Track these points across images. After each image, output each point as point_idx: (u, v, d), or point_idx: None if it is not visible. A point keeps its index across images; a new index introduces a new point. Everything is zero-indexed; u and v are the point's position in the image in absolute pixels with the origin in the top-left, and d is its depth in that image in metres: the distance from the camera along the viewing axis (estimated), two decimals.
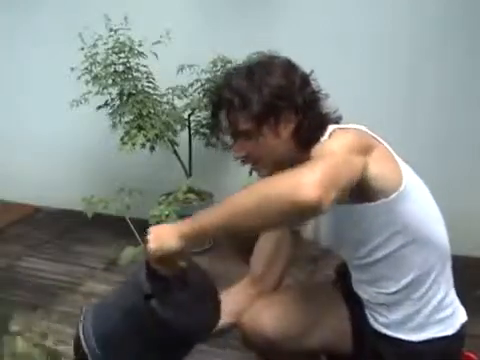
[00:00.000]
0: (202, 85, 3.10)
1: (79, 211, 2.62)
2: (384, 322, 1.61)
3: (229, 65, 3.04)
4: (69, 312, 2.67)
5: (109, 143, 3.20)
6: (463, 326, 1.64)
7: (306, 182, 1.21)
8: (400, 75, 3.04)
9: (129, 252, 2.29)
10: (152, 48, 3.03)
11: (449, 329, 1.61)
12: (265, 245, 1.79)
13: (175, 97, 3.16)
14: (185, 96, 3.13)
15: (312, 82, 1.61)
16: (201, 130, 3.23)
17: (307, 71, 1.63)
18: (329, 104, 1.61)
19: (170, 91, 3.17)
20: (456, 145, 3.03)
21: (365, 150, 1.42)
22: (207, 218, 1.33)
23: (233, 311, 1.71)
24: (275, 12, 3.17)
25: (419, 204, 1.54)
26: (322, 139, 1.51)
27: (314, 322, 1.69)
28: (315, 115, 1.55)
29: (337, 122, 1.60)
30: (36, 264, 3.16)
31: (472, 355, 1.76)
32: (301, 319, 1.68)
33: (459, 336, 1.64)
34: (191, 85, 3.13)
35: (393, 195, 1.47)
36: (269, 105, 1.49)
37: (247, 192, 1.29)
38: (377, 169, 1.44)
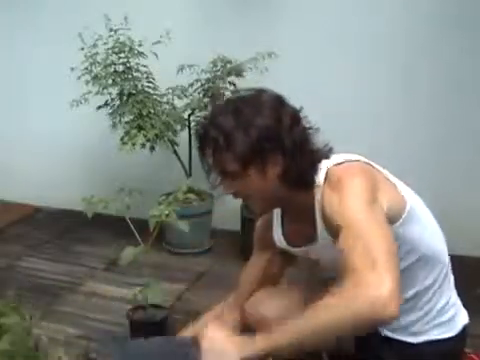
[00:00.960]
0: (202, 85, 3.10)
1: (79, 211, 2.61)
2: (387, 326, 1.62)
3: (229, 65, 3.04)
4: (69, 312, 2.67)
5: (109, 143, 3.20)
6: (464, 327, 1.65)
7: (383, 296, 1.19)
8: (397, 74, 3.05)
9: (129, 252, 2.28)
10: (152, 48, 3.02)
11: (450, 331, 1.62)
12: (252, 271, 1.85)
13: (175, 97, 3.16)
14: (185, 96, 3.13)
15: (302, 118, 1.53)
16: None
17: (297, 105, 1.55)
18: (320, 137, 1.55)
19: (170, 91, 3.17)
20: (454, 143, 3.04)
21: (375, 190, 1.42)
22: (283, 335, 1.32)
23: None
24: (275, 12, 3.17)
25: (421, 223, 1.56)
26: (317, 180, 1.50)
27: None
28: (304, 156, 1.49)
29: (327, 157, 1.54)
30: (36, 264, 3.16)
31: (475, 357, 1.76)
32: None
33: (460, 337, 1.65)
34: (191, 85, 3.13)
35: (399, 221, 1.48)
36: (255, 147, 1.45)
37: (323, 311, 1.27)
38: (385, 202, 1.44)
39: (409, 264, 1.52)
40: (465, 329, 1.66)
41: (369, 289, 1.21)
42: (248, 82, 2.99)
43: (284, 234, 1.71)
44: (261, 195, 1.52)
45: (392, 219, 1.45)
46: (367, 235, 1.30)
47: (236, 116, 1.46)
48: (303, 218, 1.57)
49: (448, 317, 1.62)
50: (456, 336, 1.62)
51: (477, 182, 3.04)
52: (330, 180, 1.47)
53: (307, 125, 1.53)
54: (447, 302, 1.62)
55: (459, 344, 1.66)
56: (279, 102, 1.51)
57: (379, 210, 1.39)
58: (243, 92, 1.55)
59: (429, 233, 1.58)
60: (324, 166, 1.51)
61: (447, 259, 1.63)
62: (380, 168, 1.56)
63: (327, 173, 1.49)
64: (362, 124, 3.10)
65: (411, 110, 3.07)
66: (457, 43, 2.92)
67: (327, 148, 1.54)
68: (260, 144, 1.45)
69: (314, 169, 1.51)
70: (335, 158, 1.53)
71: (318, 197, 1.50)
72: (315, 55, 3.13)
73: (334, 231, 1.41)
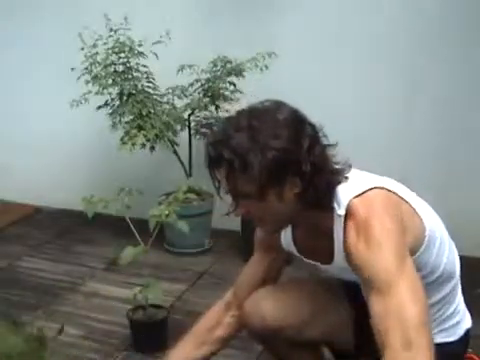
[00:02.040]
0: (202, 85, 3.10)
1: (79, 211, 2.61)
2: None
3: (229, 65, 3.04)
4: (69, 312, 2.67)
5: (109, 143, 3.20)
6: (467, 331, 1.66)
7: None
8: (398, 74, 3.05)
9: (129, 252, 2.29)
10: (152, 48, 3.03)
11: (453, 336, 1.63)
12: (251, 271, 1.82)
13: (175, 97, 3.16)
14: (185, 96, 3.13)
15: (320, 136, 1.47)
16: (201, 130, 3.23)
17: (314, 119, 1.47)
18: (337, 152, 1.49)
19: (170, 91, 3.17)
20: (455, 144, 3.03)
21: (403, 235, 1.41)
22: None
23: (219, 337, 1.80)
24: (275, 12, 3.16)
25: (439, 244, 1.55)
26: (337, 208, 1.45)
27: (314, 313, 1.71)
28: (323, 178, 1.43)
29: (345, 177, 1.48)
30: (36, 264, 3.16)
31: (475, 357, 1.76)
32: (301, 309, 1.71)
33: (462, 341, 1.65)
34: (191, 85, 3.13)
35: (420, 250, 1.48)
36: (273, 170, 1.38)
37: None
38: (411, 238, 1.44)
39: (426, 284, 1.49)
40: (468, 332, 1.66)
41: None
42: (248, 82, 3.00)
43: (294, 240, 1.67)
44: (275, 217, 1.49)
45: (414, 249, 1.46)
46: (402, 308, 1.32)
47: (251, 136, 1.38)
48: (318, 236, 1.55)
49: (453, 323, 1.63)
50: (459, 340, 1.63)
51: (477, 182, 3.04)
52: (354, 217, 1.42)
53: (325, 142, 1.47)
54: (454, 310, 1.63)
55: (461, 347, 1.67)
56: (297, 120, 1.44)
57: (410, 266, 1.38)
58: (257, 105, 1.47)
59: (447, 252, 1.57)
60: (345, 194, 1.46)
61: (458, 271, 1.62)
62: (400, 189, 1.51)
63: (349, 206, 1.43)
64: (362, 124, 3.10)
65: (411, 110, 3.07)
66: (461, 43, 2.91)
67: (346, 166, 1.49)
68: (277, 167, 1.38)
69: (333, 190, 1.46)
70: (355, 182, 1.48)
71: (338, 227, 1.47)
72: (315, 55, 3.13)
73: (360, 277, 1.42)
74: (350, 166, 1.50)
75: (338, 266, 1.54)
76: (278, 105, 1.46)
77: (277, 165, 1.38)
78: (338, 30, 3.07)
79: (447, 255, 1.57)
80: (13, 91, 3.81)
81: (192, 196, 2.63)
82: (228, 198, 1.50)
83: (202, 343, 1.79)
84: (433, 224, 1.53)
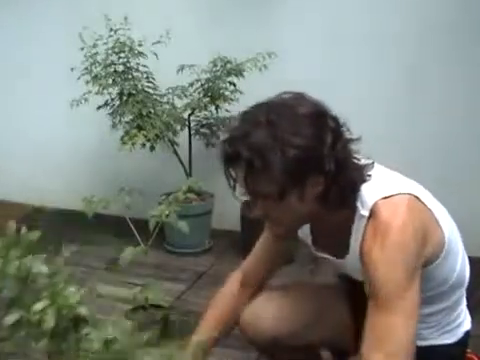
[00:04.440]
0: (202, 85, 3.10)
1: (79, 211, 2.62)
2: None
3: (229, 65, 3.04)
4: None
5: (109, 143, 3.20)
6: (467, 333, 1.65)
7: None
8: (400, 74, 3.05)
9: (129, 252, 2.28)
10: (152, 48, 3.03)
11: (452, 338, 1.61)
12: (261, 253, 1.77)
13: (175, 97, 3.16)
14: (185, 96, 3.13)
15: (343, 130, 1.41)
16: (201, 130, 3.23)
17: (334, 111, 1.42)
18: (360, 147, 1.44)
19: (170, 91, 3.17)
20: (460, 145, 3.03)
21: (423, 247, 1.39)
22: None
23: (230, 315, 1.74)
24: (275, 12, 3.16)
25: (455, 252, 1.53)
26: (361, 208, 1.41)
27: (314, 318, 1.70)
28: (346, 176, 1.37)
29: (369, 175, 1.42)
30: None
31: (474, 356, 1.76)
32: (301, 315, 1.69)
33: (461, 343, 1.64)
34: (191, 85, 3.13)
35: (438, 260, 1.46)
36: (294, 170, 1.31)
37: None
38: (430, 248, 1.42)
39: (437, 293, 1.51)
40: (467, 334, 1.65)
41: None
42: (248, 82, 3.00)
43: (312, 230, 1.62)
44: (293, 218, 1.45)
45: (432, 259, 1.44)
46: (393, 329, 1.34)
47: (271, 132, 1.31)
48: (335, 231, 1.51)
49: (454, 326, 1.62)
50: (458, 342, 1.62)
51: (478, 183, 3.04)
52: (377, 220, 1.38)
53: (348, 136, 1.41)
54: (458, 314, 1.62)
55: (459, 349, 1.66)
56: (318, 114, 1.37)
57: (415, 287, 1.37)
58: (275, 99, 1.40)
59: (460, 260, 1.55)
60: (370, 195, 1.41)
61: (468, 277, 1.60)
62: (425, 196, 1.47)
63: (374, 208, 1.39)
64: (363, 125, 3.08)
65: (413, 111, 3.07)
66: (462, 43, 2.91)
67: (369, 163, 1.44)
68: (299, 167, 1.31)
69: (356, 190, 1.41)
70: (380, 182, 1.43)
71: (358, 227, 1.43)
72: (315, 55, 3.13)
73: (366, 280, 1.42)
74: (373, 163, 1.45)
75: (351, 263, 1.51)
76: (298, 98, 1.40)
77: (299, 164, 1.31)
78: (338, 30, 3.07)
79: (460, 263, 1.55)
80: (13, 91, 3.81)
81: (192, 196, 2.62)
82: (238, 198, 1.45)
83: (227, 324, 1.75)
84: (451, 233, 1.50)
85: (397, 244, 1.34)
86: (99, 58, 3.05)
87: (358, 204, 1.41)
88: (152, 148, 3.10)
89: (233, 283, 1.78)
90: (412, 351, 1.36)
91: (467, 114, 2.99)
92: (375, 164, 1.46)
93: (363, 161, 1.43)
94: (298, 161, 1.31)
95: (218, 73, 3.07)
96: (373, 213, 1.38)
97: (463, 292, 1.62)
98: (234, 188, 1.42)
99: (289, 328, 1.67)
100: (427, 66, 2.99)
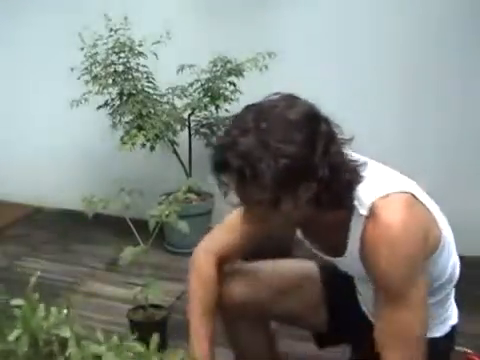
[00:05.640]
0: (202, 85, 3.10)
1: (79, 211, 2.62)
2: None
3: (229, 65, 3.04)
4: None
5: (109, 143, 3.20)
6: (453, 327, 1.64)
7: None
8: (400, 74, 3.04)
9: (129, 252, 2.29)
10: (152, 48, 3.03)
11: (439, 332, 1.61)
12: (234, 237, 1.69)
13: (175, 97, 3.16)
14: (185, 96, 3.13)
15: (336, 133, 1.38)
16: (201, 130, 3.23)
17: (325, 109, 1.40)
18: (353, 148, 1.42)
19: (170, 91, 3.17)
20: (459, 145, 3.03)
21: (424, 244, 1.40)
22: None
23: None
24: (275, 12, 3.16)
25: (449, 249, 1.53)
26: (359, 207, 1.39)
27: (284, 289, 1.73)
28: (340, 180, 1.35)
29: (362, 176, 1.41)
30: (36, 264, 3.16)
31: (475, 357, 1.76)
32: (269, 286, 1.72)
33: (448, 337, 1.64)
34: (191, 85, 3.13)
35: (432, 257, 1.46)
36: (286, 179, 1.29)
37: None
38: (427, 246, 1.43)
39: (430, 289, 1.50)
40: (453, 329, 1.65)
41: None
42: (248, 82, 3.00)
43: (308, 232, 1.61)
44: (286, 222, 1.44)
45: (427, 256, 1.44)
46: (408, 324, 1.39)
47: (261, 140, 1.27)
48: (330, 233, 1.50)
49: (442, 320, 1.62)
50: (444, 336, 1.62)
51: (478, 182, 3.04)
52: (378, 219, 1.36)
53: (341, 137, 1.39)
54: (445, 309, 1.62)
55: (446, 343, 1.65)
56: (310, 119, 1.33)
57: (423, 283, 1.40)
58: (265, 102, 1.37)
59: (453, 256, 1.56)
60: (368, 193, 1.40)
61: (458, 274, 1.60)
62: (421, 194, 1.47)
63: (373, 207, 1.37)
64: (363, 125, 3.09)
65: (414, 110, 3.07)
66: (462, 43, 2.91)
67: (364, 162, 1.43)
68: (291, 175, 1.28)
69: (351, 191, 1.39)
70: (377, 180, 1.43)
71: (357, 225, 1.42)
72: (315, 55, 3.13)
73: (373, 280, 1.43)
74: (366, 162, 1.44)
75: (348, 262, 1.51)
76: (288, 101, 1.36)
77: (290, 173, 1.28)
78: (338, 30, 3.07)
79: (453, 260, 1.55)
80: (13, 91, 3.81)
81: (192, 196, 2.63)
82: (232, 203, 1.43)
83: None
84: (446, 231, 1.51)
85: (401, 242, 1.34)
86: (99, 58, 3.06)
87: (356, 203, 1.41)
88: (152, 148, 3.10)
89: (211, 269, 1.70)
90: (424, 342, 1.42)
91: (465, 112, 2.99)
92: (370, 162, 1.47)
93: (357, 161, 1.42)
94: (289, 170, 1.28)
95: (218, 73, 3.07)
96: (372, 213, 1.37)
97: (452, 287, 1.62)
98: (226, 195, 1.40)
99: (258, 295, 1.70)
100: (430, 66, 2.99)
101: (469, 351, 1.77)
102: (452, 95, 2.99)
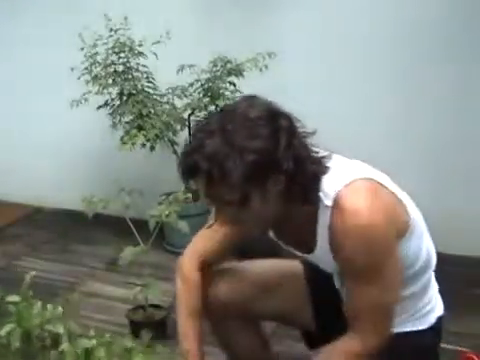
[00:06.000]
0: (202, 85, 3.10)
1: (79, 211, 2.62)
2: None
3: (229, 65, 3.04)
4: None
5: (109, 143, 3.20)
6: (439, 319, 1.64)
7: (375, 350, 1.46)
8: (399, 75, 3.04)
9: (129, 252, 2.29)
10: (152, 48, 3.03)
11: (423, 324, 1.61)
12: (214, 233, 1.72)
13: (175, 97, 3.16)
14: (185, 96, 3.13)
15: (297, 126, 1.42)
16: None
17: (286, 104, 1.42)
18: (318, 138, 1.45)
19: (170, 91, 3.17)
20: (455, 146, 3.03)
21: (391, 224, 1.42)
22: None
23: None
24: (275, 12, 3.16)
25: (420, 233, 1.54)
26: (324, 198, 1.42)
27: (268, 287, 1.75)
28: (306, 171, 1.40)
29: (327, 166, 1.45)
30: (36, 264, 3.16)
31: (474, 356, 1.76)
32: (253, 284, 1.75)
33: (433, 329, 1.63)
34: (191, 85, 3.13)
35: (402, 240, 1.47)
36: (254, 174, 1.33)
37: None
38: (396, 228, 1.45)
39: (406, 279, 1.51)
40: (439, 321, 1.64)
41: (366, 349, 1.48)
42: (248, 82, 3.00)
43: (279, 232, 1.64)
44: (261, 218, 1.45)
45: (398, 236, 1.46)
46: (378, 298, 1.43)
47: (226, 140, 1.32)
48: (300, 230, 1.53)
49: (424, 312, 1.61)
50: (429, 328, 1.61)
51: (477, 183, 3.04)
52: (342, 208, 1.39)
53: (302, 131, 1.42)
54: (427, 300, 1.62)
55: (432, 336, 1.64)
56: (271, 115, 1.38)
57: (394, 266, 1.43)
58: (228, 106, 1.44)
59: (425, 243, 1.56)
60: (331, 185, 1.43)
61: (435, 263, 1.61)
62: (384, 179, 1.49)
63: (337, 197, 1.40)
64: (362, 125, 3.10)
65: (412, 112, 3.07)
66: (459, 45, 2.91)
67: (327, 154, 1.46)
68: (259, 170, 1.33)
69: (318, 181, 1.43)
70: (340, 172, 1.45)
71: (324, 218, 1.44)
72: (315, 55, 3.13)
73: (342, 265, 1.46)
74: (331, 154, 1.47)
75: (320, 255, 1.53)
76: (248, 101, 1.41)
77: (257, 167, 1.33)
78: (338, 30, 3.07)
79: (425, 247, 1.56)
80: (13, 91, 3.81)
81: (192, 196, 2.63)
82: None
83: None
84: (416, 214, 1.53)
85: (367, 228, 1.37)
86: (99, 58, 3.05)
87: (321, 196, 1.44)
88: (152, 148, 3.10)
89: (194, 273, 1.78)
90: (392, 317, 1.48)
91: (458, 113, 2.99)
92: (334, 154, 1.49)
93: (321, 153, 1.45)
94: (256, 165, 1.32)
95: (218, 73, 3.07)
96: (336, 202, 1.40)
97: (431, 277, 1.62)
98: (196, 200, 1.45)
99: (242, 294, 1.72)
100: (427, 67, 2.99)
101: (466, 350, 1.76)
102: (444, 96, 2.99)
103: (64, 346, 1.21)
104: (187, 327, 1.73)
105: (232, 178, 1.32)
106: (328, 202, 1.42)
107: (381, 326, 1.47)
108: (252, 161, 1.32)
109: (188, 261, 1.80)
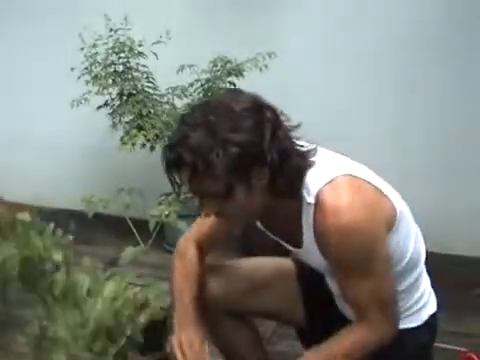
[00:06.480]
0: (202, 85, 3.10)
1: (79, 211, 2.62)
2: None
3: (229, 65, 3.04)
4: None
5: (109, 143, 3.20)
6: (433, 317, 1.63)
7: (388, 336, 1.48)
8: (400, 75, 3.05)
9: (129, 252, 2.29)
10: (152, 48, 3.03)
11: (416, 321, 1.61)
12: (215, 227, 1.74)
13: (175, 97, 3.16)
14: (185, 96, 3.13)
15: (282, 119, 1.41)
16: None
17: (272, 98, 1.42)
18: (308, 135, 1.45)
19: (170, 91, 3.17)
20: (455, 145, 3.03)
21: (373, 220, 1.42)
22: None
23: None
24: (275, 12, 3.17)
25: (408, 227, 1.54)
26: (306, 196, 1.42)
27: (259, 283, 1.75)
28: (291, 163, 1.39)
29: (312, 161, 1.45)
30: None
31: (474, 356, 1.76)
32: (245, 281, 1.75)
33: (427, 326, 1.62)
34: (191, 85, 3.13)
35: (389, 232, 1.47)
36: (238, 167, 1.33)
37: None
38: (382, 220, 1.45)
39: (395, 275, 1.51)
40: (432, 318, 1.63)
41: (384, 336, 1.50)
42: (248, 82, 3.00)
43: (267, 227, 1.64)
44: (246, 211, 1.45)
45: (383, 231, 1.45)
46: (378, 289, 1.45)
47: (210, 132, 1.32)
48: (286, 222, 1.53)
49: (416, 309, 1.61)
50: (423, 325, 1.61)
51: (476, 183, 3.04)
52: (324, 206, 1.39)
53: (287, 124, 1.42)
54: (419, 297, 1.61)
55: (427, 333, 1.64)
56: (255, 108, 1.37)
57: (383, 259, 1.44)
58: (212, 99, 1.44)
59: (413, 238, 1.55)
60: (313, 182, 1.42)
61: (424, 258, 1.61)
62: (367, 174, 1.49)
63: (318, 195, 1.40)
64: (362, 124, 3.10)
65: (411, 110, 3.08)
66: (458, 43, 2.92)
67: (312, 148, 1.46)
68: (243, 162, 1.33)
69: (302, 176, 1.43)
70: (323, 168, 1.45)
71: (307, 216, 1.45)
72: (315, 55, 3.13)
73: (331, 262, 1.47)
74: (316, 148, 1.47)
75: (308, 251, 1.53)
76: (233, 94, 1.43)
77: (242, 160, 1.33)
78: (338, 30, 3.08)
79: (414, 242, 1.55)
80: (13, 91, 3.81)
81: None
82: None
83: None
84: (402, 207, 1.52)
85: (350, 225, 1.37)
86: (99, 58, 3.05)
87: (304, 192, 1.43)
88: (152, 148, 3.10)
89: (191, 250, 1.80)
90: (396, 301, 1.51)
91: (460, 112, 3.00)
92: (320, 149, 1.49)
93: (306, 147, 1.45)
94: (240, 157, 1.32)
95: (218, 73, 3.07)
96: (318, 200, 1.40)
97: (421, 274, 1.61)
98: (179, 193, 1.44)
99: (233, 290, 1.72)
100: (426, 65, 2.99)
101: (465, 350, 1.77)
102: (450, 94, 2.99)
103: (56, 277, 1.19)
104: (182, 290, 1.72)
105: (216, 170, 1.32)
106: (310, 200, 1.42)
107: (389, 311, 1.48)
108: (236, 153, 1.32)
109: (184, 243, 1.83)
